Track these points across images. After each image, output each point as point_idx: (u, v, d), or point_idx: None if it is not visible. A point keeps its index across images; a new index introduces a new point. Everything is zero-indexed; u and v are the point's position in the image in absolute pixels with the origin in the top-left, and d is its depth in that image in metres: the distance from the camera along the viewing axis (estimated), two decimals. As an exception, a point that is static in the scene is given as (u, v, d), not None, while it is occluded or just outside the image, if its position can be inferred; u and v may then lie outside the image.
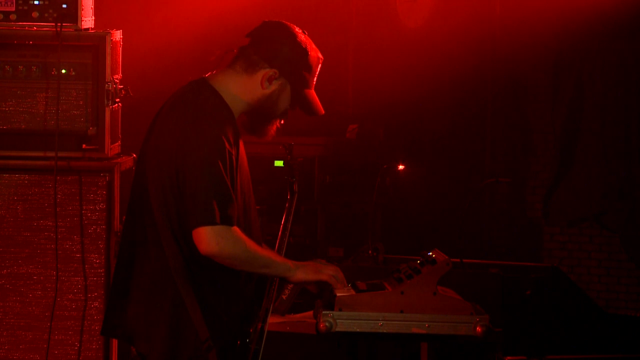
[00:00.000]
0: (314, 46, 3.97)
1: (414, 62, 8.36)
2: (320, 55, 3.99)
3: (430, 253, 3.97)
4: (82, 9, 5.26)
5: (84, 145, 5.27)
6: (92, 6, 5.43)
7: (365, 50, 8.57)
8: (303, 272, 3.89)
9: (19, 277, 5.24)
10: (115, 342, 5.24)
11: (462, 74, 8.34)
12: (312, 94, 3.99)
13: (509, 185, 7.44)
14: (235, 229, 3.74)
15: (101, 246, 5.23)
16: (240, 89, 3.91)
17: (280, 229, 4.05)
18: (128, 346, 3.91)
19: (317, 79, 4.01)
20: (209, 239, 3.69)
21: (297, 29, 3.94)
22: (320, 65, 4.00)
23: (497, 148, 8.55)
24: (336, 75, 8.39)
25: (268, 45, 3.91)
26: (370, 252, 6.25)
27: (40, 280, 5.24)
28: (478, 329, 3.86)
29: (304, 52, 3.92)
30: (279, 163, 7.41)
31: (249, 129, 3.99)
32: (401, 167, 7.38)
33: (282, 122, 4.02)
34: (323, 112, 4.01)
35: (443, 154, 8.55)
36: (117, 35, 5.38)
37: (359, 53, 8.61)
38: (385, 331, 3.86)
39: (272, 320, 3.92)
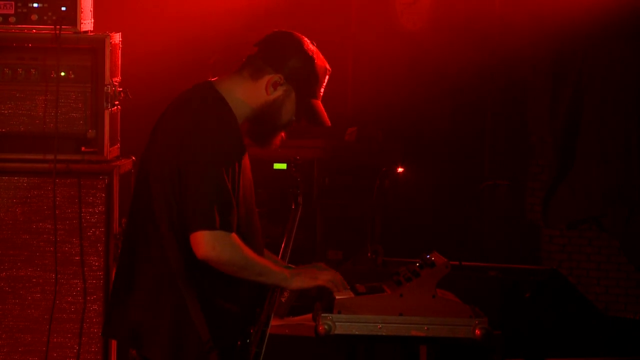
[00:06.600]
0: (321, 57, 3.97)
1: (413, 64, 8.36)
2: (328, 67, 3.99)
3: (429, 256, 3.98)
4: (81, 12, 5.26)
5: (83, 148, 5.26)
6: (92, 9, 5.43)
7: (364, 52, 8.56)
8: (299, 281, 3.90)
9: (18, 279, 5.24)
10: (114, 345, 5.24)
11: (461, 75, 8.33)
12: (318, 104, 3.99)
13: (507, 188, 7.43)
14: (234, 235, 3.74)
15: (100, 249, 5.22)
16: (245, 94, 3.90)
17: (284, 240, 4.06)
18: (127, 349, 3.91)
19: (324, 91, 4.00)
20: (207, 243, 3.70)
21: (305, 39, 3.95)
22: (327, 77, 4.00)
23: (496, 150, 8.55)
24: (335, 77, 8.31)
25: (275, 52, 3.92)
26: (369, 254, 6.26)
27: (39, 282, 5.23)
28: (477, 331, 3.86)
29: (311, 60, 3.92)
30: (278, 166, 7.40)
31: (252, 139, 3.98)
32: (400, 169, 7.39)
33: (284, 134, 4.01)
34: (329, 123, 4.01)
35: (442, 156, 8.55)
36: (117, 37, 5.37)
37: (358, 55, 8.60)
38: (384, 334, 3.87)
39: (271, 322, 3.93)
